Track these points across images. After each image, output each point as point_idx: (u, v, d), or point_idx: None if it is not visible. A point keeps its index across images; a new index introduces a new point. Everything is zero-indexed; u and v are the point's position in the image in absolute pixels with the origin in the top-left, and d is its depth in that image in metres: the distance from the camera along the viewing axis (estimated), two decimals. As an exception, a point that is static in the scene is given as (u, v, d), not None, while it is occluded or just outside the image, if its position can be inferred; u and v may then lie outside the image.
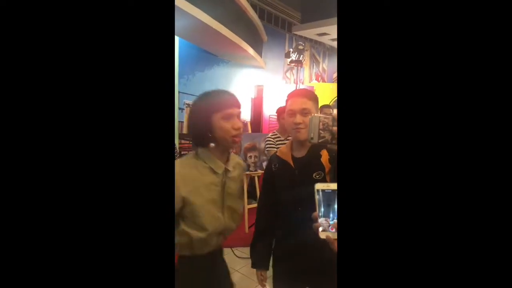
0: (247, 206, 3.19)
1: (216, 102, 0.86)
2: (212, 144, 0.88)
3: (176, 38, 3.88)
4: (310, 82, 6.19)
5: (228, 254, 2.58)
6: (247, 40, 3.99)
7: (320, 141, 0.71)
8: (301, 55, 4.77)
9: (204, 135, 0.86)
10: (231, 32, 3.48)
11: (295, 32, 5.94)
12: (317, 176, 0.98)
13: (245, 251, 2.69)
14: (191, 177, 0.84)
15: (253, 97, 5.09)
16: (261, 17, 4.91)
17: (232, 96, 0.90)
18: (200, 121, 0.86)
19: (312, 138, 0.71)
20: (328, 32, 5.73)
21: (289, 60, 4.92)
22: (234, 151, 3.42)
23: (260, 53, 4.83)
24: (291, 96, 1.05)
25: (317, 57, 6.59)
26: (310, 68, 6.39)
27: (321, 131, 0.71)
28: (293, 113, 1.01)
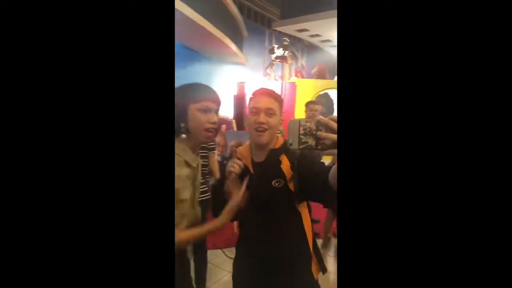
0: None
1: (195, 93, 0.85)
2: (183, 136, 0.84)
3: (155, 33, 3.73)
4: (289, 78, 6.23)
5: (219, 256, 2.52)
6: (229, 35, 3.92)
7: (301, 147, 0.68)
8: (286, 51, 4.76)
9: (178, 124, 0.84)
10: (213, 27, 3.39)
11: (275, 28, 5.93)
12: (276, 184, 0.89)
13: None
14: None
15: (235, 94, 5.02)
16: (241, 12, 4.84)
17: (213, 91, 0.88)
18: (176, 108, 0.82)
19: (291, 144, 0.68)
20: (308, 28, 5.77)
21: (273, 56, 4.89)
22: (220, 150, 3.36)
23: (241, 49, 4.77)
24: (256, 93, 0.95)
25: (296, 53, 6.63)
26: (289, 65, 6.42)
27: (302, 136, 0.67)
28: (257, 112, 0.91)
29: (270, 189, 0.88)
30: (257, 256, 0.94)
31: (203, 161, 1.61)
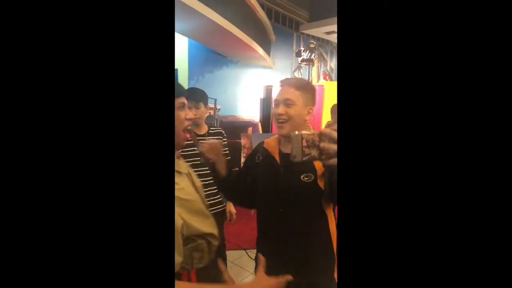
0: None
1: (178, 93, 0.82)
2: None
3: (186, 40, 3.87)
4: (318, 81, 6.15)
5: (242, 256, 2.55)
6: (256, 40, 3.97)
7: (304, 158, 0.66)
8: (313, 54, 4.72)
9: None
10: (241, 32, 3.46)
11: (303, 31, 5.90)
12: (305, 179, 0.86)
13: (260, 253, 2.65)
14: None
15: (262, 97, 5.06)
16: (268, 16, 4.87)
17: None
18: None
19: (294, 157, 0.68)
20: (336, 30, 5.67)
21: (300, 59, 4.88)
22: (245, 152, 3.38)
23: (268, 53, 4.80)
24: (280, 84, 0.94)
25: (325, 56, 6.53)
26: (318, 67, 6.34)
27: (305, 149, 0.66)
28: (277, 103, 0.91)
29: (298, 183, 0.85)
30: (279, 254, 0.91)
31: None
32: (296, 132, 0.68)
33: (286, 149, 0.92)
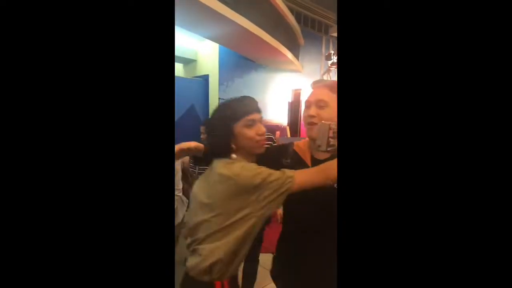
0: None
1: (235, 111, 0.83)
2: (233, 156, 0.83)
3: (216, 45, 3.98)
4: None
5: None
6: (285, 44, 3.98)
7: (328, 149, 0.66)
8: (341, 56, 4.63)
9: (226, 148, 0.83)
10: (270, 37, 3.49)
11: (332, 34, 5.82)
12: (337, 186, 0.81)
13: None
14: None
15: (290, 101, 5.05)
16: (297, 20, 4.87)
17: (250, 101, 0.86)
18: (222, 132, 0.83)
19: (319, 146, 0.66)
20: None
21: (330, 62, 4.81)
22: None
23: (297, 57, 4.79)
24: (312, 86, 0.91)
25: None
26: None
27: (330, 139, 0.65)
28: (308, 105, 0.87)
29: (329, 190, 0.80)
30: (301, 264, 0.89)
31: None
32: (323, 122, 0.68)
33: (319, 155, 0.89)
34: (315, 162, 0.88)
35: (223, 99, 4.13)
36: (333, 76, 5.41)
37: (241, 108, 0.83)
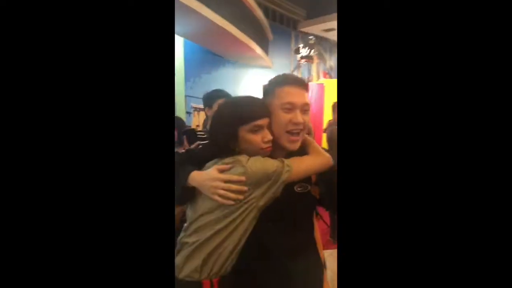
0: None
1: (243, 113, 0.75)
2: (229, 160, 0.76)
3: (181, 40, 3.78)
4: (318, 80, 6.06)
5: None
6: (253, 39, 3.89)
7: None
8: (312, 50, 4.64)
9: (227, 150, 0.76)
10: (239, 31, 3.38)
11: (301, 29, 5.82)
12: (299, 189, 0.78)
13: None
14: None
15: (261, 97, 4.98)
16: (265, 15, 4.80)
17: (260, 104, 0.77)
18: (224, 133, 0.76)
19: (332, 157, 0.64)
20: (335, 27, 5.59)
21: (299, 56, 4.78)
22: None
23: (266, 52, 4.72)
24: (289, 82, 0.76)
25: (324, 54, 6.44)
26: (317, 65, 6.25)
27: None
28: (292, 108, 0.74)
29: (292, 195, 0.76)
30: (272, 267, 0.81)
31: None
32: (335, 126, 0.62)
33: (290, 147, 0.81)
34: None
35: (190, 96, 3.95)
36: (303, 72, 5.42)
37: (249, 111, 0.74)
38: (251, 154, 0.76)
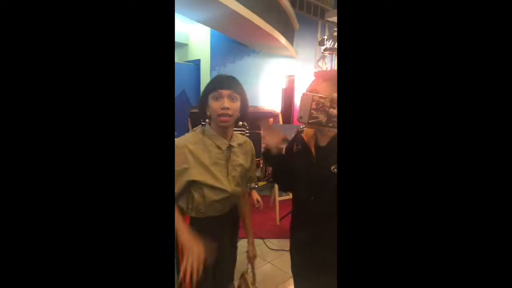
0: (278, 198, 3.16)
1: (213, 83, 0.97)
2: (206, 121, 1.01)
3: (208, 29, 3.88)
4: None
5: (260, 245, 2.59)
6: (279, 29, 3.89)
7: (310, 121, 0.66)
8: (336, 42, 4.56)
9: (204, 114, 1.00)
10: (263, 21, 3.40)
11: (328, 19, 5.70)
12: (335, 170, 0.89)
13: (276, 243, 2.68)
14: (199, 153, 0.98)
15: (284, 87, 5.00)
16: (292, 4, 4.75)
17: (226, 78, 0.98)
18: (202, 100, 1.00)
19: (300, 117, 0.66)
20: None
21: (323, 48, 4.73)
22: (265, 144, 3.39)
23: (291, 42, 4.70)
24: (320, 76, 0.91)
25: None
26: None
27: (313, 111, 0.65)
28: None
29: (328, 174, 0.88)
30: (313, 249, 0.96)
31: None
32: (308, 92, 0.67)
33: (321, 142, 0.97)
34: (318, 149, 0.96)
35: (215, 84, 4.06)
36: (327, 63, 5.35)
37: (216, 82, 0.97)
38: (214, 119, 0.97)
